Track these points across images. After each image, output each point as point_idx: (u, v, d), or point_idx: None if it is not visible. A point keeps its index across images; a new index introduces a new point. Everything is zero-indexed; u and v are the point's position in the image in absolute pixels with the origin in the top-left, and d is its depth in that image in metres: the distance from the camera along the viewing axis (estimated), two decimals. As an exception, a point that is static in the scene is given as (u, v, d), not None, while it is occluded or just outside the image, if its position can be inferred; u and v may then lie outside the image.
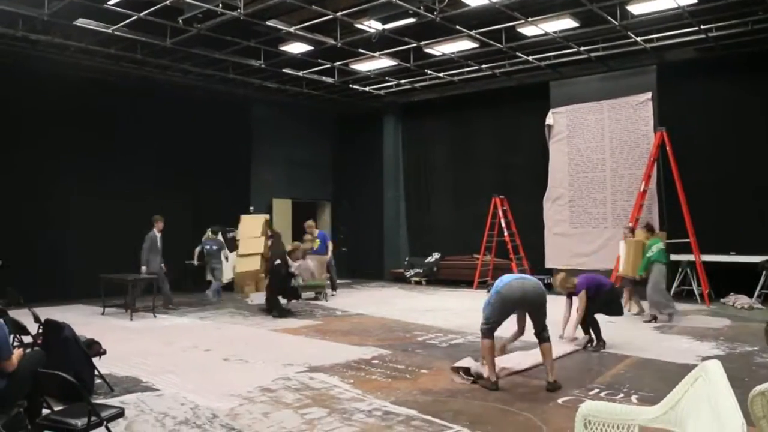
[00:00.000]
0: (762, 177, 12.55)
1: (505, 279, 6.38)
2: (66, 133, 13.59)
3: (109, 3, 10.16)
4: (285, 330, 9.84)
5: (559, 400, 5.72)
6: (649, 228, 10.89)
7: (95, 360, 6.07)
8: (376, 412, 5.40)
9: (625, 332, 9.31)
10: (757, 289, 11.88)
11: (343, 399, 5.81)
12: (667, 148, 12.53)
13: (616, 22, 11.36)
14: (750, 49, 12.47)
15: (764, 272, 11.88)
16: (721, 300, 12.30)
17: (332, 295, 13.89)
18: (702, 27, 11.73)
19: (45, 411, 4.49)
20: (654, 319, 10.23)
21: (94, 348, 6.22)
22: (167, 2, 10.08)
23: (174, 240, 14.91)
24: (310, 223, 14.49)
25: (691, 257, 12.45)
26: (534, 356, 6.76)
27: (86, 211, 13.77)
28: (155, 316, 11.12)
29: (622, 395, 5.90)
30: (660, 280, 10.25)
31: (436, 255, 16.75)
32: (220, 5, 10.11)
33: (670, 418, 2.82)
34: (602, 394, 5.92)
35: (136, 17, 10.78)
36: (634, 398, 5.81)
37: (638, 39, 12.43)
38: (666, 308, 10.26)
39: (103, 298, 11.57)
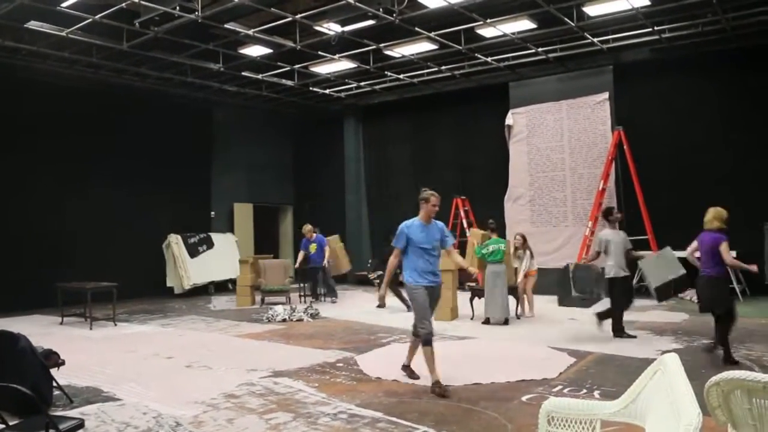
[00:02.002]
0: (715, 173, 12.86)
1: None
2: (16, 139, 13.26)
3: (63, 5, 9.95)
4: (248, 335, 9.76)
5: (523, 398, 5.77)
6: (492, 229, 10.76)
7: (53, 371, 5.91)
8: (342, 415, 5.38)
9: (587, 329, 9.46)
10: (713, 283, 12.14)
11: (308, 403, 5.77)
12: (625, 147, 12.78)
13: (572, 23, 11.53)
14: (701, 49, 12.79)
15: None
16: (679, 295, 12.54)
17: (333, 301, 13.74)
18: (655, 28, 12.00)
19: (0, 426, 4.37)
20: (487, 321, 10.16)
21: (51, 359, 6.07)
22: (123, 5, 9.92)
23: (137, 246, 14.79)
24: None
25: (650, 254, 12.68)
26: None
27: (44, 218, 13.48)
28: (116, 325, 10.92)
29: (585, 391, 5.98)
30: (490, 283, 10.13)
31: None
32: (178, 8, 9.98)
33: (630, 411, 2.86)
34: (565, 391, 5.99)
35: (90, 20, 10.58)
36: (596, 393, 5.89)
37: (594, 40, 12.64)
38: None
39: (61, 307, 11.31)
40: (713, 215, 7.35)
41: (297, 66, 14.25)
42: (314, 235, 13.94)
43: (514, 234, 11.73)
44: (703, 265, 7.13)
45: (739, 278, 12.10)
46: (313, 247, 13.74)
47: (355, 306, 12.77)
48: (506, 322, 10.07)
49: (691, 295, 12.23)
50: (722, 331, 7.04)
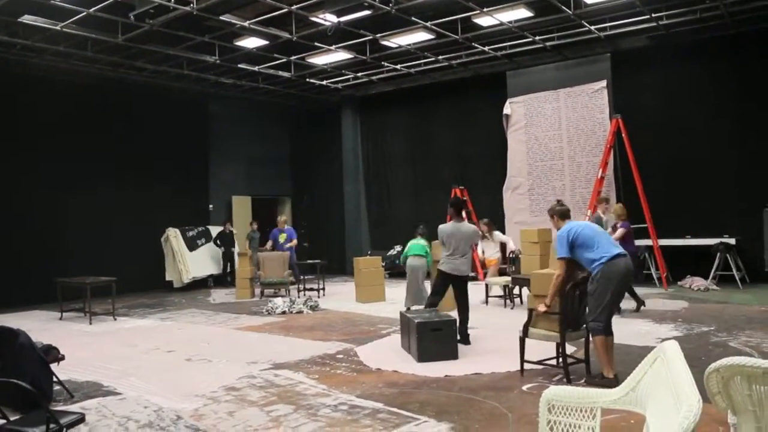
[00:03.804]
0: (714, 161, 12.86)
1: (600, 250, 5.68)
2: (13, 134, 13.25)
3: (57, -1, 9.90)
4: (248, 328, 9.77)
5: (524, 387, 5.78)
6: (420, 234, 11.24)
7: (53, 366, 5.91)
8: (342, 406, 5.39)
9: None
10: (713, 270, 12.17)
11: (308, 395, 5.78)
12: (623, 135, 12.74)
13: (569, 11, 11.48)
14: (699, 36, 12.76)
15: (718, 254, 12.18)
16: (679, 283, 12.58)
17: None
18: (653, 15, 11.94)
19: (1, 421, 4.37)
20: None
21: (51, 354, 6.07)
22: (117, -2, 9.88)
23: (135, 240, 14.80)
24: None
25: (648, 242, 12.69)
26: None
27: (42, 213, 13.48)
28: (115, 319, 10.92)
29: (585, 379, 5.98)
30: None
31: (398, 247, 16.77)
32: (172, 0, 9.93)
33: (631, 399, 2.86)
34: (566, 379, 5.99)
35: (85, 13, 10.52)
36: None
37: (592, 28, 12.59)
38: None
39: (61, 302, 11.30)
40: None
41: (293, 57, 14.20)
42: (285, 226, 15.00)
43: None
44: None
45: (738, 266, 12.12)
46: (282, 237, 14.54)
47: (354, 297, 12.75)
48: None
49: (690, 283, 12.28)
50: None
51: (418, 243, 10.97)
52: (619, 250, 5.84)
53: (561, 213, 6.28)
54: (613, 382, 5.01)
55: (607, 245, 5.78)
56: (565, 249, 5.82)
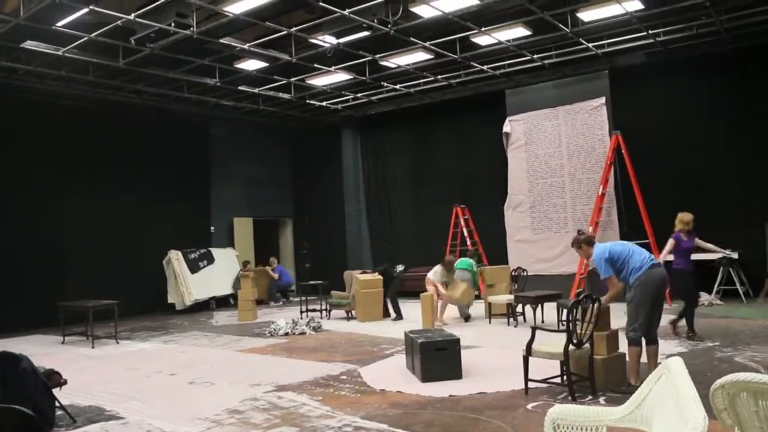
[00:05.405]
0: (714, 176, 12.89)
1: (635, 261, 6.08)
2: (15, 158, 13.30)
3: (58, 25, 9.98)
4: (251, 350, 9.73)
5: (529, 406, 5.74)
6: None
7: (56, 391, 5.88)
8: (347, 428, 5.35)
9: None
10: (716, 285, 12.14)
11: (312, 417, 5.74)
12: (623, 151, 12.77)
13: (567, 30, 11.56)
14: (696, 52, 12.84)
15: (721, 269, 12.15)
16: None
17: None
18: (650, 32, 12.03)
19: (3, 447, 4.35)
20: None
21: (53, 378, 6.03)
22: (118, 23, 9.95)
23: (137, 263, 14.79)
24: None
25: (651, 257, 12.65)
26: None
27: (44, 237, 13.48)
28: (118, 343, 10.89)
29: (590, 397, 5.95)
30: None
31: (400, 267, 16.70)
32: (173, 24, 10.01)
33: (636, 416, 2.84)
34: (570, 398, 5.95)
35: (86, 38, 10.61)
36: (602, 399, 5.86)
37: (590, 45, 12.67)
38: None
39: (63, 326, 11.28)
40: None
41: (293, 79, 14.27)
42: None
43: None
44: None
45: (741, 280, 12.08)
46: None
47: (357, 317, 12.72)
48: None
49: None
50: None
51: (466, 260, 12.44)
52: (655, 260, 6.18)
53: (587, 240, 6.56)
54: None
55: (641, 254, 6.13)
56: (607, 268, 6.11)
